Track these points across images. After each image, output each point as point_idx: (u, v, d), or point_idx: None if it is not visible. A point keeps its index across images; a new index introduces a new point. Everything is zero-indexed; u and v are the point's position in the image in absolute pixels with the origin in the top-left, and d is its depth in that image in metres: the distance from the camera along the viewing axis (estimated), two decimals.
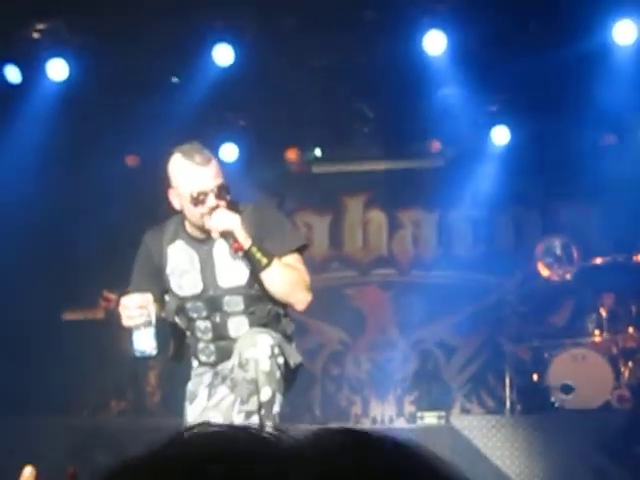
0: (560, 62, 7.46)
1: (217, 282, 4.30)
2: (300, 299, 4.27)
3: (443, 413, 7.51)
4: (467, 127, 8.56)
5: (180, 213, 4.31)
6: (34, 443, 6.49)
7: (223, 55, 7.80)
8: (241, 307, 4.30)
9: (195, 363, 4.47)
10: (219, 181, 4.17)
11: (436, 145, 9.00)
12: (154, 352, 4.11)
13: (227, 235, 4.15)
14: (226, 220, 4.14)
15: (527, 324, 7.83)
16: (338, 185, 9.27)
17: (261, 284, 4.24)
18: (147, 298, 4.12)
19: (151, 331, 4.10)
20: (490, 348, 8.54)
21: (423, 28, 7.72)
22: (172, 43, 7.61)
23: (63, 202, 8.32)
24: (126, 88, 7.94)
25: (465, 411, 8.62)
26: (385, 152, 9.18)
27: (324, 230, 9.32)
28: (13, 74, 7.82)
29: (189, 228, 4.34)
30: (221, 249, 4.28)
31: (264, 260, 4.15)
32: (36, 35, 7.76)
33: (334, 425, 0.65)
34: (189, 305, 4.35)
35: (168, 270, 4.38)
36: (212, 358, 4.39)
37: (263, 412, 4.05)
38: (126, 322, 4.13)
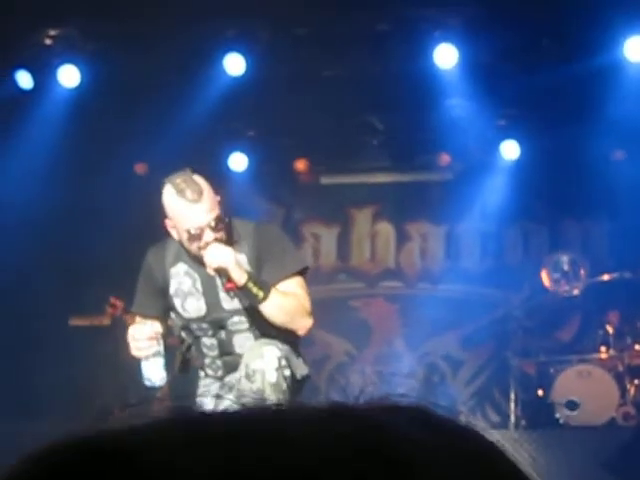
0: (571, 78, 7.45)
1: (221, 304, 4.30)
2: (300, 325, 4.29)
3: None
4: (476, 141, 8.56)
5: None
6: (28, 448, 6.47)
7: (234, 64, 7.81)
8: (246, 325, 4.30)
9: (202, 374, 4.47)
10: (214, 214, 4.14)
11: (445, 158, 8.99)
12: (163, 382, 4.12)
13: (221, 272, 4.13)
14: (220, 257, 4.12)
15: (533, 339, 7.81)
16: (346, 197, 9.27)
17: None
18: (156, 328, 4.12)
19: (160, 361, 4.10)
20: (496, 362, 8.51)
21: (434, 41, 7.72)
22: (184, 51, 7.63)
23: (72, 208, 8.33)
24: (137, 96, 7.95)
25: None
26: (394, 165, 9.17)
27: (332, 241, 9.31)
28: (25, 80, 7.84)
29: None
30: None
31: (260, 294, 4.13)
32: (48, 41, 7.78)
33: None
34: (194, 325, 4.35)
35: (171, 291, 4.38)
36: (219, 372, 4.39)
37: None
38: (135, 353, 4.13)
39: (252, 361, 4.11)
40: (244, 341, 4.30)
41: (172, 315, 4.41)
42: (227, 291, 4.16)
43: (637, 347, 7.40)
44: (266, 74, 7.92)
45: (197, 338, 4.37)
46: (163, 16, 7.29)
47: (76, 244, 8.34)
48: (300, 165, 9.12)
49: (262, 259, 4.21)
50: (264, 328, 4.29)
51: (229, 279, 4.11)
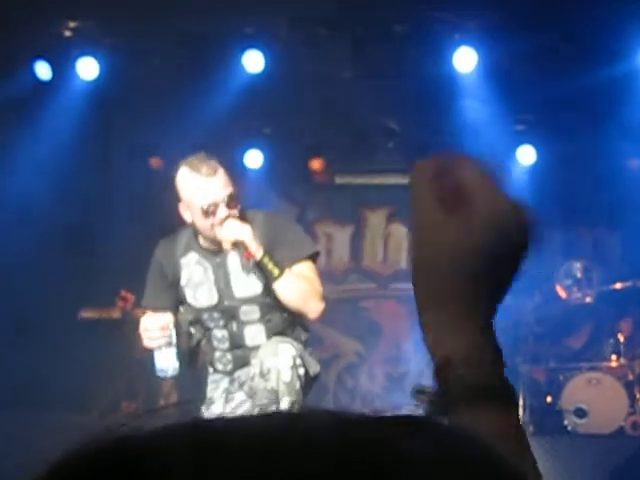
0: (588, 84, 7.44)
1: (232, 292, 4.31)
2: (312, 309, 4.27)
3: None
4: (493, 145, 8.54)
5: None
6: (37, 439, 6.49)
7: (253, 62, 7.82)
8: (257, 315, 4.30)
9: (211, 370, 4.48)
10: (229, 190, 4.17)
11: None
12: (175, 372, 4.13)
13: (239, 245, 4.14)
14: (237, 230, 4.13)
15: (544, 345, 7.79)
16: (360, 197, 9.27)
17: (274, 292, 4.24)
18: (168, 319, 4.14)
19: (172, 351, 4.12)
20: (505, 368, 8.49)
21: (454, 44, 7.72)
22: (202, 47, 7.64)
23: (86, 200, 8.35)
24: (154, 90, 7.96)
25: None
26: (409, 166, 9.14)
27: (345, 242, 9.31)
28: (44, 71, 7.86)
29: (201, 240, 4.34)
30: (235, 259, 4.28)
31: (276, 271, 4.15)
32: (68, 33, 7.80)
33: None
34: (205, 316, 4.36)
35: (182, 282, 4.40)
36: (229, 367, 4.40)
37: None
38: (147, 343, 4.14)
39: (267, 359, 4.11)
40: (255, 333, 4.31)
41: (181, 309, 4.42)
42: (247, 259, 4.16)
43: None
44: (284, 73, 7.92)
45: (208, 330, 4.38)
46: (182, 11, 7.30)
47: (89, 237, 8.35)
48: (315, 164, 9.12)
49: (273, 245, 4.22)
50: (277, 319, 4.31)
51: (246, 249, 4.13)
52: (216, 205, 4.15)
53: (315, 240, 9.03)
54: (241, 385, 4.26)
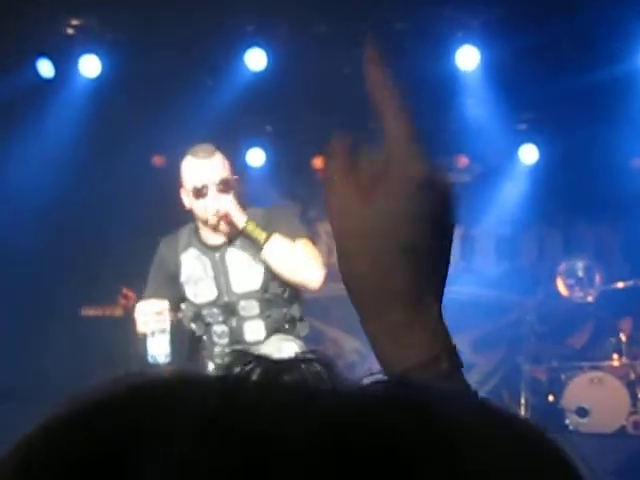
0: (591, 83, 7.44)
1: (231, 288, 4.31)
2: (310, 276, 4.17)
3: None
4: (495, 144, 8.54)
5: (192, 221, 4.35)
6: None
7: (255, 59, 7.82)
8: (257, 311, 4.31)
9: (211, 366, 4.48)
10: (222, 174, 4.20)
11: (463, 160, 8.98)
12: (167, 359, 4.13)
13: (222, 216, 4.17)
14: (220, 200, 4.16)
15: (545, 344, 7.79)
16: None
17: (271, 272, 4.20)
18: (164, 305, 4.15)
19: (165, 338, 4.12)
20: (507, 366, 8.50)
21: (456, 43, 7.71)
22: (205, 45, 7.64)
23: (88, 197, 8.35)
24: (156, 88, 7.96)
25: None
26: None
27: None
28: (46, 68, 7.86)
29: (202, 235, 4.36)
30: (234, 255, 4.29)
31: (262, 235, 4.14)
32: (70, 31, 7.80)
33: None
34: (205, 312, 4.37)
35: (182, 278, 4.42)
36: None
37: None
38: (141, 328, 4.16)
39: (271, 356, 4.13)
40: (255, 329, 4.31)
41: (182, 307, 4.43)
42: (226, 225, 4.18)
43: None
44: (286, 71, 7.92)
45: (208, 326, 4.39)
46: (184, 9, 7.30)
47: (91, 234, 8.36)
48: (317, 162, 9.12)
49: (272, 226, 4.22)
50: (275, 314, 4.30)
51: (226, 217, 4.15)
52: (206, 186, 4.18)
53: (317, 238, 9.03)
54: None
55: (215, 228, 4.26)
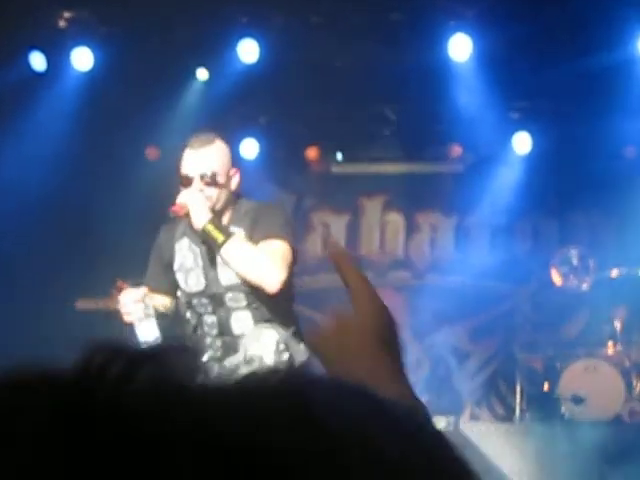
0: (585, 72, 7.43)
1: (219, 279, 4.33)
2: (267, 280, 4.12)
3: (452, 419, 7.49)
4: (489, 133, 8.53)
5: None
6: None
7: (248, 50, 7.81)
8: (244, 302, 4.31)
9: (204, 357, 4.49)
10: (211, 167, 4.21)
11: (457, 150, 8.98)
12: (159, 341, 4.14)
13: (180, 211, 4.19)
14: (185, 196, 4.15)
15: (540, 333, 7.80)
16: (357, 186, 9.26)
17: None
18: (142, 292, 4.18)
19: (152, 322, 4.15)
20: (502, 355, 8.51)
21: (449, 32, 7.71)
22: (198, 36, 7.63)
23: (82, 190, 8.34)
24: (150, 80, 7.95)
25: (474, 417, 8.60)
26: (405, 155, 9.16)
27: (341, 230, 9.31)
28: (38, 62, 7.85)
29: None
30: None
31: (220, 237, 4.13)
32: (62, 23, 7.79)
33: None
34: (195, 301, 4.39)
35: (175, 266, 4.45)
36: (218, 353, 4.42)
37: None
38: (126, 318, 4.18)
39: (250, 345, 4.14)
40: (243, 320, 4.32)
41: (178, 293, 4.46)
42: (173, 213, 4.21)
43: None
44: (279, 61, 7.91)
45: (200, 317, 4.40)
46: (177, 1, 7.29)
47: (85, 227, 8.35)
48: (311, 153, 9.11)
49: (254, 227, 4.22)
50: (264, 306, 4.30)
51: (175, 205, 4.17)
52: (191, 177, 4.21)
53: (312, 229, 9.04)
54: (231, 373, 4.26)
55: (176, 219, 4.27)
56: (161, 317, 4.27)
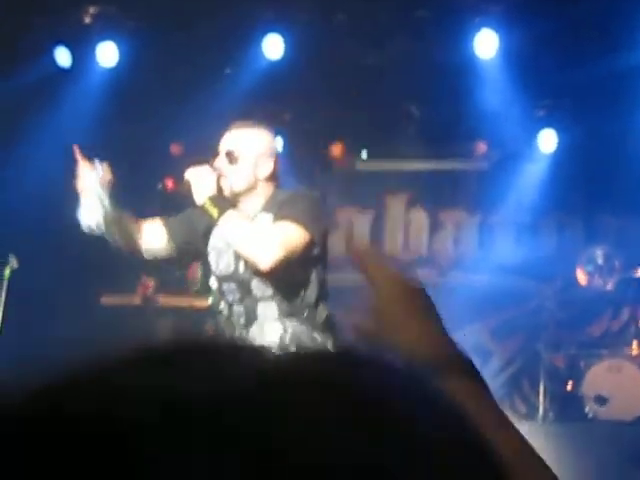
0: (611, 69, 7.39)
1: (246, 265, 4.31)
2: (260, 257, 4.06)
3: None
4: (514, 130, 8.50)
5: None
6: None
7: (273, 46, 7.81)
8: (270, 292, 4.29)
9: None
10: (235, 146, 4.26)
11: (482, 147, 8.95)
12: (100, 228, 4.24)
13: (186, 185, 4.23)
14: (191, 171, 4.22)
15: (565, 332, 7.77)
16: (381, 183, 9.24)
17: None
18: (105, 173, 4.25)
19: (97, 204, 4.21)
20: (526, 354, 8.47)
21: (475, 29, 7.68)
22: (223, 32, 7.63)
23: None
24: (174, 76, 7.96)
25: None
26: (430, 152, 9.13)
27: (365, 228, 9.29)
28: (64, 57, 7.87)
29: None
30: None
31: (214, 212, 4.13)
32: (88, 19, 7.80)
33: None
34: (225, 286, 4.37)
35: (209, 247, 4.43)
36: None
37: None
38: (78, 185, 4.43)
39: (256, 339, 4.15)
40: (267, 311, 4.29)
41: (211, 281, 4.43)
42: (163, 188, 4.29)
43: None
44: (304, 58, 7.90)
45: (230, 307, 4.39)
46: None
47: None
48: (336, 150, 9.10)
49: (281, 210, 4.21)
50: (290, 296, 4.27)
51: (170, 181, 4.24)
52: (218, 154, 4.27)
53: (336, 226, 9.03)
54: None
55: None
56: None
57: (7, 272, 5.99)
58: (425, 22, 7.72)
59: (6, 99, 7.48)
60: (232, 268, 4.33)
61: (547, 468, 1.17)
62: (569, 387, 7.44)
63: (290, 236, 4.12)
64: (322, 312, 4.38)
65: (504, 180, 8.64)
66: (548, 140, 8.54)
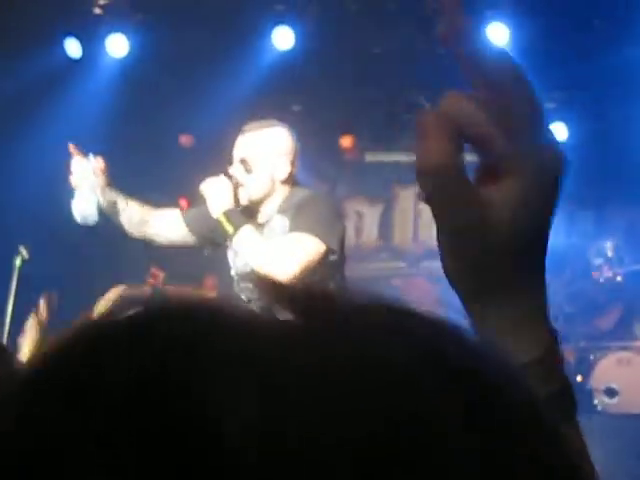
0: (622, 62, 7.37)
1: None
2: (278, 269, 3.96)
3: None
4: None
5: None
6: None
7: (283, 38, 7.80)
8: None
9: None
10: (246, 152, 4.22)
11: None
12: (93, 220, 4.24)
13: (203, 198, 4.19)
14: (206, 184, 4.19)
15: (574, 325, 7.75)
16: (391, 174, 9.23)
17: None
18: (99, 164, 4.25)
19: (92, 198, 4.22)
20: None
21: (485, 21, 7.66)
22: (233, 23, 7.62)
23: (116, 178, 8.36)
24: (184, 67, 7.96)
25: None
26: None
27: (374, 219, 9.29)
28: (74, 48, 7.87)
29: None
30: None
31: (230, 229, 4.11)
32: (98, 10, 7.80)
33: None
34: (242, 285, 4.36)
35: (228, 244, 4.42)
36: None
37: None
38: (72, 180, 4.40)
39: None
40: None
41: (232, 272, 4.42)
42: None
43: None
44: (314, 49, 7.89)
45: (249, 302, 4.38)
46: None
47: None
48: (345, 141, 9.10)
49: (297, 214, 4.18)
50: None
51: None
52: (233, 162, 4.25)
53: (345, 218, 9.02)
54: None
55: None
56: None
57: (18, 262, 6.00)
58: (435, 13, 7.70)
59: (17, 90, 7.49)
60: (249, 268, 4.32)
61: None
62: (579, 380, 7.43)
63: (307, 251, 4.07)
64: None
65: None
66: (559, 133, 8.52)
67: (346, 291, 0.54)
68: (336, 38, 7.90)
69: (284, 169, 4.32)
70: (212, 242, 4.54)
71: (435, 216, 0.81)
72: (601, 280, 7.75)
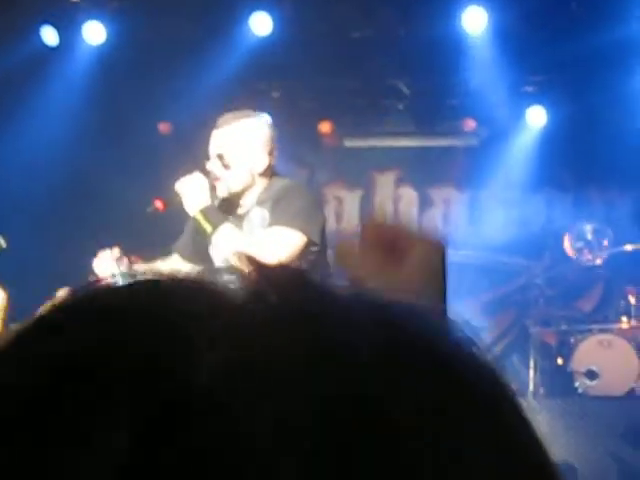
0: (601, 45, 7.37)
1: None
2: None
3: None
4: (503, 107, 8.48)
5: None
6: None
7: (261, 23, 7.77)
8: None
9: None
10: (221, 147, 4.19)
11: (470, 124, 8.93)
12: None
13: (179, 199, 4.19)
14: (183, 183, 4.20)
15: (554, 308, 7.78)
16: (370, 160, 9.23)
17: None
18: (115, 253, 4.22)
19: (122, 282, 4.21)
20: (516, 330, 8.49)
21: (463, 4, 7.65)
22: (210, 9, 7.59)
23: (96, 165, 8.33)
24: (162, 54, 7.92)
25: None
26: (419, 129, 9.11)
27: (354, 205, 9.28)
28: (50, 36, 7.83)
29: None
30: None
31: (208, 227, 4.10)
32: None
33: None
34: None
35: (213, 242, 4.41)
36: None
37: None
38: (98, 271, 4.26)
39: None
40: None
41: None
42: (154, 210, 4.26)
43: None
44: (292, 34, 7.87)
45: None
46: None
47: (95, 201, 8.34)
48: (324, 127, 9.08)
49: (276, 206, 4.16)
50: None
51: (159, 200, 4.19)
52: (210, 158, 4.24)
53: (325, 204, 9.01)
54: None
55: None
56: None
57: None
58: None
59: None
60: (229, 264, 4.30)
61: None
62: (559, 362, 7.46)
63: (289, 245, 4.07)
64: None
65: (493, 157, 8.63)
66: (537, 116, 8.53)
67: (329, 279, 0.54)
68: (314, 23, 7.87)
69: (262, 161, 4.30)
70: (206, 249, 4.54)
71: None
72: (581, 263, 7.77)
